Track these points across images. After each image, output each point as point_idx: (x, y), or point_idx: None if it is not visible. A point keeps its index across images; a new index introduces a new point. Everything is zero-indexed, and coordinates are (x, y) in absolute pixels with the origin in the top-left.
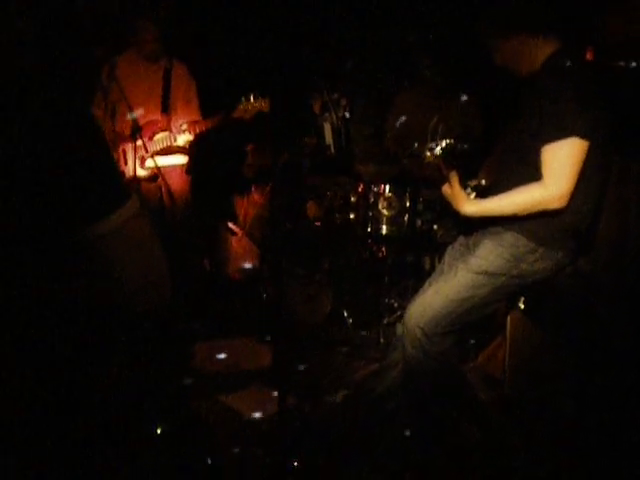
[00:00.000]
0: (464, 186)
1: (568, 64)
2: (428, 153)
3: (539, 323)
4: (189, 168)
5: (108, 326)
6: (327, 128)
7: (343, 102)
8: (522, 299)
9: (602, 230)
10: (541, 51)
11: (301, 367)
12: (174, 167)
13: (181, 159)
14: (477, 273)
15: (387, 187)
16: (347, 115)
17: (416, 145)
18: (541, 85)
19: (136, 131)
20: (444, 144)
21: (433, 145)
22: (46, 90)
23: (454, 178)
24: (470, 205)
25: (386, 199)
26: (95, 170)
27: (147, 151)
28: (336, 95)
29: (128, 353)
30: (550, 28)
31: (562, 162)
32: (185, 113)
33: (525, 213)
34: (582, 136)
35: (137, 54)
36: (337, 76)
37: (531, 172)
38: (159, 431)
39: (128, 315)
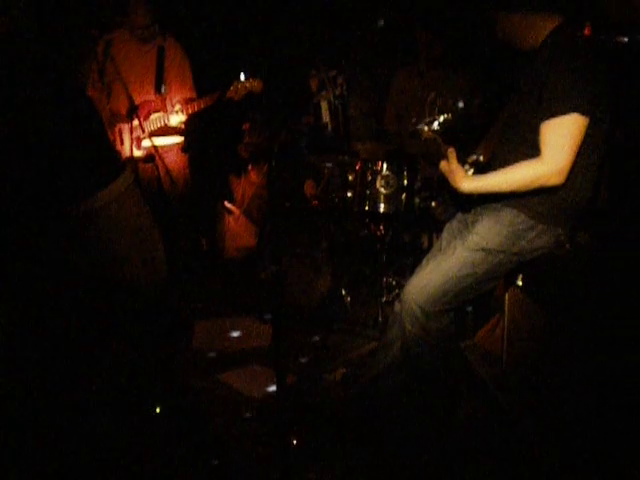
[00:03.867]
0: (462, 162)
1: (569, 40)
2: (425, 128)
3: (537, 300)
4: (185, 146)
5: (105, 303)
6: (324, 106)
7: (340, 80)
8: (520, 276)
9: (601, 206)
10: (543, 27)
11: (300, 346)
12: (170, 147)
13: (177, 138)
14: (475, 250)
15: (385, 165)
16: (344, 93)
17: (414, 120)
18: (542, 61)
19: (132, 111)
20: (442, 119)
21: (431, 120)
22: (43, 72)
23: (452, 154)
24: (468, 181)
25: (384, 177)
26: (87, 146)
27: (143, 131)
28: (333, 72)
29: (128, 332)
30: (552, 4)
31: (561, 138)
32: (179, 92)
33: (524, 189)
34: (582, 112)
35: (130, 33)
36: (334, 53)
37: (530, 148)
38: (158, 410)
39: (125, 289)
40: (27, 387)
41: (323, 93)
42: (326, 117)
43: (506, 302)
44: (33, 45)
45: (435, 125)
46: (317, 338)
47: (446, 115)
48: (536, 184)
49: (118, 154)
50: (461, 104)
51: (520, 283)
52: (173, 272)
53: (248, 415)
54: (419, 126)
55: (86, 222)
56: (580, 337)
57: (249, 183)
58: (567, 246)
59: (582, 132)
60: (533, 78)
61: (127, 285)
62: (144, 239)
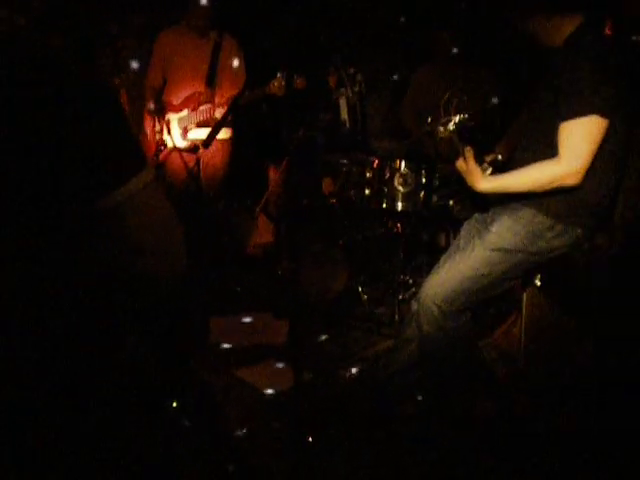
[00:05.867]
0: (480, 161)
1: (592, 40)
2: (441, 128)
3: (555, 299)
4: (205, 142)
5: (124, 296)
6: (342, 103)
7: (358, 77)
8: (538, 275)
9: (620, 207)
10: (565, 27)
11: (316, 343)
12: (214, 141)
13: (222, 133)
14: (494, 250)
15: (403, 163)
16: (363, 90)
17: (429, 120)
18: (562, 61)
19: (160, 109)
20: (457, 119)
21: (446, 120)
22: (42, 71)
23: (469, 153)
24: (484, 181)
25: (402, 175)
26: (109, 141)
27: (186, 123)
28: (352, 70)
29: (144, 327)
30: (574, 4)
31: (579, 139)
32: (231, 88)
33: (540, 190)
34: (601, 114)
35: (187, 27)
36: (353, 51)
37: (549, 148)
38: (174, 405)
39: (144, 285)
40: (27, 387)
41: (342, 90)
42: (344, 114)
43: (524, 301)
44: (34, 44)
45: (451, 125)
46: (333, 335)
47: (462, 115)
48: (552, 185)
49: (141, 150)
50: (478, 102)
51: (538, 283)
52: (194, 268)
53: (264, 411)
54: (435, 126)
55: (104, 218)
56: (597, 337)
57: (267, 180)
58: (585, 246)
59: (601, 134)
60: (554, 77)
61: (141, 280)
62: (163, 235)
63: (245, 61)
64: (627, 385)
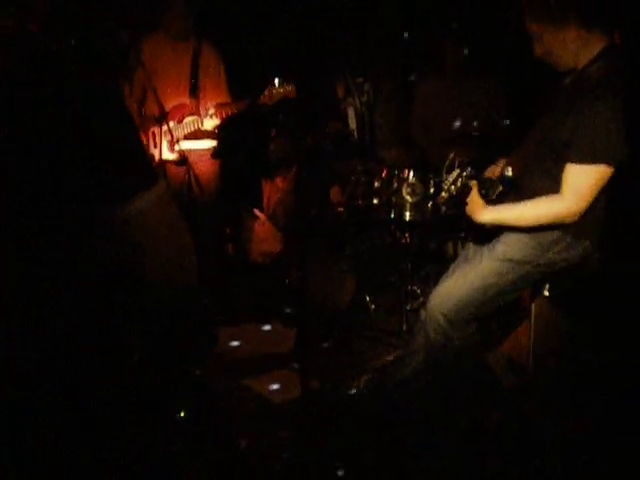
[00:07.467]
0: (488, 186)
1: (611, 75)
2: (444, 194)
3: (564, 309)
4: (215, 152)
5: (125, 298)
6: (350, 113)
7: (366, 87)
8: (547, 285)
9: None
10: (587, 48)
11: (323, 352)
12: (203, 151)
13: (209, 143)
14: (502, 261)
15: (411, 173)
16: (370, 100)
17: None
18: (580, 91)
19: (162, 117)
20: (460, 183)
21: (448, 184)
22: (73, 71)
23: (474, 188)
24: (485, 213)
25: (410, 185)
26: (123, 152)
27: (173, 136)
28: (359, 79)
29: (153, 335)
30: (600, 21)
31: (585, 185)
32: (214, 95)
33: (538, 225)
34: (610, 163)
35: (165, 35)
36: (361, 60)
37: (554, 181)
38: (182, 414)
39: (155, 295)
40: (27, 387)
41: (349, 100)
42: (352, 124)
43: (532, 311)
44: (34, 44)
45: (452, 189)
46: (341, 344)
47: (465, 173)
48: (550, 221)
49: (151, 159)
50: (485, 112)
51: (547, 293)
52: (201, 277)
53: (272, 420)
54: (438, 191)
55: (123, 226)
56: (606, 348)
57: (275, 189)
58: (594, 257)
59: (606, 180)
60: (569, 105)
61: (144, 283)
62: (178, 245)
63: (227, 68)
64: (635, 394)
